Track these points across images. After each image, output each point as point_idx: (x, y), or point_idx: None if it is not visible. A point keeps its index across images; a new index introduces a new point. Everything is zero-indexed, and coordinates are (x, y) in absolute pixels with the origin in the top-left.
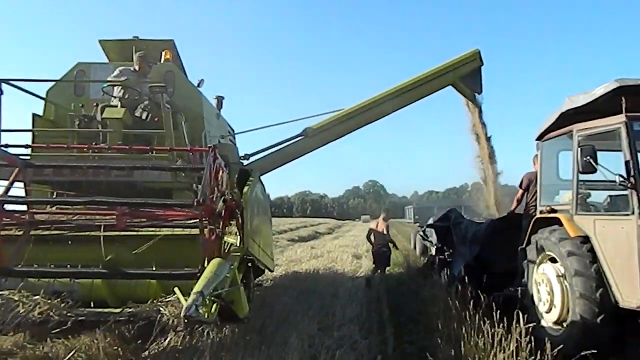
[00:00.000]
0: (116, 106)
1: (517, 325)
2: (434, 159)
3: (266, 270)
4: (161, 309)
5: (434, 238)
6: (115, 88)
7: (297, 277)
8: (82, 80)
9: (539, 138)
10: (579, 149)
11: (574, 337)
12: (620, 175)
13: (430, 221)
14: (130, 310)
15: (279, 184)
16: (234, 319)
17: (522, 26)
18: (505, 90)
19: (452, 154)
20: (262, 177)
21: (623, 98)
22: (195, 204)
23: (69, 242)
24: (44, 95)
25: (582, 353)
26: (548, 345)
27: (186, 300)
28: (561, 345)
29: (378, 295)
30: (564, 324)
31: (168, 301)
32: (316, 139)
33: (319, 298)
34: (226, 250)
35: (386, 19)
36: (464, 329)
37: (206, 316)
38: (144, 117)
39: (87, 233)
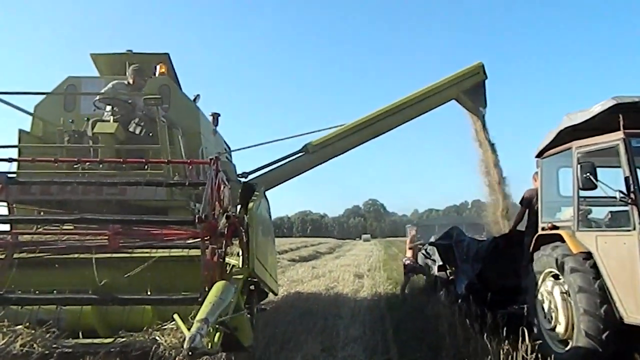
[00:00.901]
0: (108, 121)
1: (523, 342)
2: (434, 177)
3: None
4: (157, 337)
5: (436, 256)
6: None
7: (299, 297)
8: (72, 93)
9: (539, 155)
10: (579, 165)
11: (579, 354)
12: (621, 191)
13: (432, 239)
14: (123, 339)
15: (279, 203)
16: (238, 348)
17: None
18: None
19: (451, 172)
20: None
21: (620, 115)
22: (197, 220)
23: (56, 266)
24: (32, 111)
25: None
26: None
27: (188, 328)
28: None
29: (381, 314)
30: (569, 341)
31: (165, 329)
32: (317, 155)
33: (322, 318)
34: (227, 272)
35: (388, 34)
36: (470, 347)
37: (209, 346)
38: (137, 131)
39: (75, 255)
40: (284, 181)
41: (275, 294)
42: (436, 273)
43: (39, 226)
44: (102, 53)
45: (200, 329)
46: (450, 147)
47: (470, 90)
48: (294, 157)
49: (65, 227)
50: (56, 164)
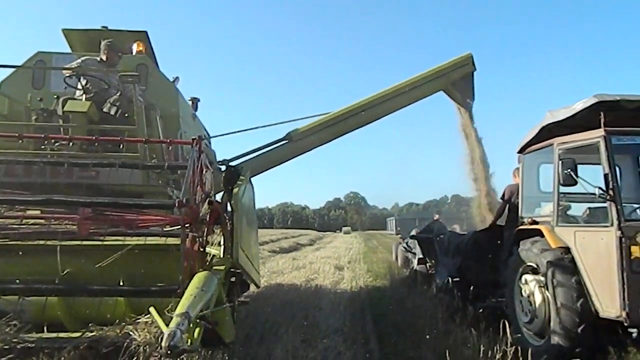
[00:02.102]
0: (80, 99)
1: (504, 336)
2: (415, 171)
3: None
4: (131, 332)
5: (417, 250)
6: (81, 79)
7: (279, 288)
8: (41, 67)
9: (521, 151)
10: (560, 162)
11: (556, 347)
12: (600, 188)
13: (413, 232)
14: (92, 334)
15: (259, 194)
16: (218, 343)
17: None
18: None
19: (432, 167)
20: None
21: (602, 113)
22: (177, 205)
23: (20, 253)
24: None
25: None
26: (529, 356)
27: (166, 323)
28: (544, 356)
29: (361, 306)
30: (546, 334)
31: (139, 323)
32: (301, 143)
33: (303, 309)
34: (207, 263)
35: (376, 20)
36: (450, 339)
37: (189, 343)
38: (112, 112)
39: (42, 242)
40: (266, 170)
41: (258, 287)
42: (416, 266)
43: None
44: (75, 29)
45: (180, 324)
46: (432, 141)
47: (459, 81)
48: (276, 145)
49: (30, 211)
50: (20, 141)
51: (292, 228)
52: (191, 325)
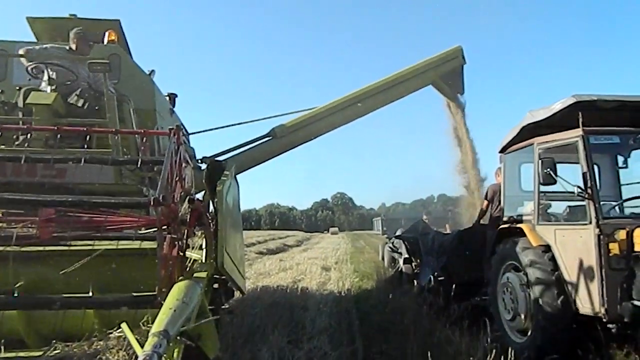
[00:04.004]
0: (45, 91)
1: (485, 334)
2: (402, 171)
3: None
4: (100, 349)
5: (402, 249)
6: (46, 70)
7: (266, 290)
8: (2, 55)
9: (502, 151)
10: (540, 161)
11: (537, 344)
12: (578, 187)
13: (399, 232)
14: (57, 352)
15: (246, 196)
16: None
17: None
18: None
19: (419, 167)
20: None
21: (580, 113)
22: (152, 203)
23: None
24: None
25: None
26: (510, 353)
27: (141, 343)
28: (526, 352)
29: (347, 307)
30: (528, 331)
31: (110, 338)
32: (285, 140)
33: (288, 310)
34: (188, 269)
35: (364, 11)
36: (434, 338)
37: None
38: (79, 104)
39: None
40: (249, 168)
41: (244, 294)
42: (402, 266)
43: None
44: (41, 17)
45: (157, 345)
46: (419, 140)
47: (448, 75)
48: (260, 141)
49: None
50: None
51: (279, 229)
52: (170, 344)
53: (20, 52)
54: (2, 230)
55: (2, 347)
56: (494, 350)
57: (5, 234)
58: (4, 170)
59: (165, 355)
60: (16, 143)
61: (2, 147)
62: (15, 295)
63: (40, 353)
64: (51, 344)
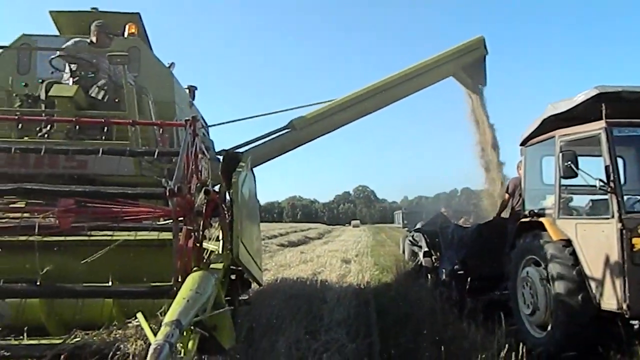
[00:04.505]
0: (67, 84)
1: (500, 327)
2: (425, 164)
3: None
4: (119, 338)
5: (422, 243)
6: (67, 63)
7: (285, 281)
8: (26, 49)
9: (523, 144)
10: (561, 154)
11: (556, 340)
12: (601, 180)
13: (419, 226)
14: (76, 340)
15: (269, 188)
16: (217, 351)
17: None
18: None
19: (442, 160)
20: None
21: (603, 104)
22: (168, 193)
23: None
24: None
25: (564, 355)
26: (522, 348)
27: (154, 332)
28: (546, 347)
29: (366, 299)
30: (548, 327)
31: (129, 327)
32: (304, 132)
33: (307, 302)
34: (205, 260)
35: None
36: (448, 331)
37: (182, 353)
38: (100, 96)
39: (19, 238)
40: (267, 160)
41: (261, 285)
42: (422, 259)
43: None
44: (63, 10)
45: (169, 335)
46: (442, 133)
47: (470, 66)
48: (278, 133)
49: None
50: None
51: (301, 222)
52: (184, 334)
53: (54, 47)
54: (24, 220)
55: (25, 334)
56: (506, 345)
57: (27, 224)
58: (27, 161)
59: (179, 344)
60: (39, 135)
61: (26, 139)
62: (37, 283)
63: (61, 340)
64: (71, 332)
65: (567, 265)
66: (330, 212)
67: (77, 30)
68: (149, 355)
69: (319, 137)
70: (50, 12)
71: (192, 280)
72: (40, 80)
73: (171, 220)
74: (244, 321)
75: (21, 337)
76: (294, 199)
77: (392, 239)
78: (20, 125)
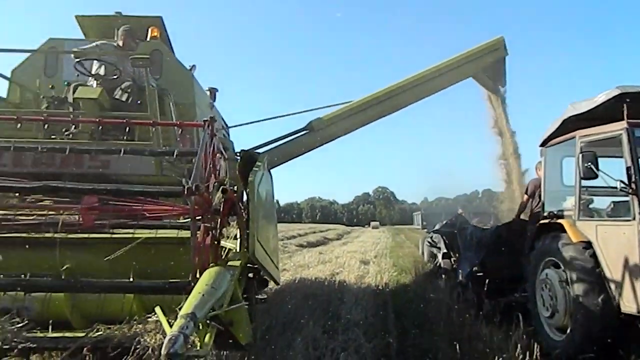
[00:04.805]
0: (92, 86)
1: (517, 329)
2: (446, 165)
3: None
4: (139, 332)
5: (441, 244)
6: (94, 65)
7: (304, 281)
8: (53, 52)
9: (543, 144)
10: (581, 155)
11: (576, 342)
12: (622, 181)
13: (437, 227)
14: (99, 333)
15: (288, 189)
16: (234, 346)
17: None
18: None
19: (464, 160)
20: None
21: (624, 105)
22: (185, 192)
23: (26, 246)
24: (9, 75)
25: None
26: (537, 349)
27: (170, 325)
28: (565, 350)
29: (384, 300)
30: (567, 329)
31: (149, 322)
32: (322, 133)
33: (325, 302)
34: (223, 258)
35: (400, 7)
36: (464, 332)
37: (198, 346)
38: (123, 98)
39: (44, 235)
40: (286, 161)
41: (278, 283)
42: (441, 261)
43: None
44: (89, 15)
45: (183, 327)
46: (463, 134)
47: (490, 67)
48: (297, 135)
49: (28, 201)
50: (19, 125)
51: (320, 223)
52: (200, 327)
53: (80, 49)
54: (49, 218)
55: (50, 327)
56: (519, 346)
57: (52, 221)
58: (53, 161)
59: (195, 336)
60: (65, 134)
61: (52, 140)
62: (62, 278)
63: (84, 334)
64: (94, 326)
65: (587, 267)
66: (349, 213)
67: (102, 33)
68: (164, 345)
69: (337, 138)
70: (76, 16)
71: (208, 275)
72: (67, 83)
73: (187, 219)
74: (262, 319)
75: (46, 330)
76: (313, 200)
77: (411, 240)
78: (46, 126)
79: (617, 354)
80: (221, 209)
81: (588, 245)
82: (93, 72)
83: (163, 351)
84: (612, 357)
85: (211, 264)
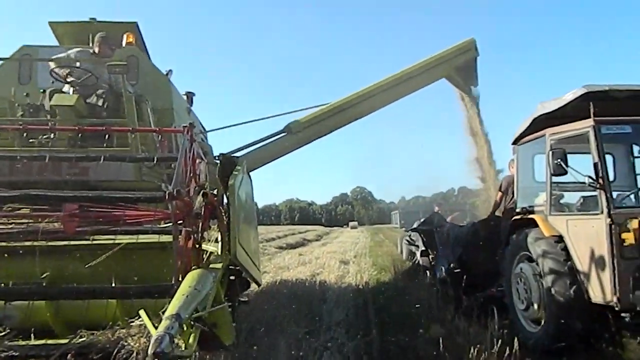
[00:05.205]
0: (68, 93)
1: (492, 322)
2: (422, 164)
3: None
4: (122, 337)
5: (419, 242)
6: (70, 72)
7: (285, 283)
8: (27, 59)
9: (515, 142)
10: (551, 152)
11: (550, 333)
12: (590, 177)
13: (415, 225)
14: (82, 339)
15: (266, 191)
16: (217, 346)
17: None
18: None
19: (439, 159)
20: None
21: (591, 103)
22: (167, 197)
23: (5, 255)
24: None
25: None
26: (515, 341)
27: (155, 327)
28: (540, 341)
29: (365, 299)
30: (541, 321)
31: (132, 326)
32: (300, 135)
33: (307, 303)
34: (204, 261)
35: (375, 8)
36: (444, 328)
37: (183, 347)
38: (99, 104)
39: (24, 243)
40: (265, 163)
41: (259, 285)
42: (419, 258)
43: None
44: (63, 21)
45: (169, 327)
46: (438, 133)
47: (462, 68)
48: (275, 137)
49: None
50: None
51: (299, 224)
52: (185, 328)
53: (55, 57)
54: (29, 226)
55: (32, 335)
56: (499, 340)
57: (32, 229)
58: (30, 169)
59: (179, 337)
60: (42, 143)
61: (30, 147)
62: (43, 285)
63: (67, 341)
64: (77, 332)
65: (559, 260)
66: (327, 214)
67: (76, 40)
68: (150, 345)
69: (315, 140)
70: (50, 22)
71: (191, 277)
72: (42, 90)
73: (171, 223)
74: (245, 321)
75: (29, 339)
76: (291, 202)
77: (390, 239)
78: (26, 134)
79: (589, 343)
80: (202, 213)
81: (559, 239)
82: (69, 80)
83: (150, 350)
84: (584, 346)
85: (193, 267)
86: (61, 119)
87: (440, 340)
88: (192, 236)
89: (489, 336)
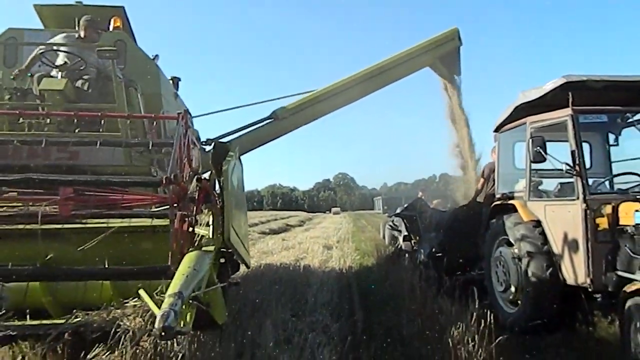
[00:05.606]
0: (56, 77)
1: (472, 303)
2: (404, 151)
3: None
4: (118, 317)
5: (402, 227)
6: (58, 57)
7: (269, 267)
8: (13, 43)
9: (497, 130)
10: (531, 140)
11: (527, 313)
12: (567, 164)
13: (398, 211)
14: (78, 320)
15: (248, 177)
16: (211, 326)
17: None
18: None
19: (421, 145)
20: None
21: (570, 93)
22: (164, 182)
23: (1, 239)
24: None
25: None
26: (492, 319)
27: (158, 306)
28: (517, 321)
29: (348, 282)
30: (519, 302)
31: (127, 307)
32: (286, 122)
33: (292, 286)
34: (197, 244)
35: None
36: (426, 308)
37: (182, 325)
38: (85, 88)
39: (20, 226)
40: (251, 149)
41: (248, 267)
42: (402, 243)
43: None
44: (48, 4)
45: (173, 304)
46: (420, 120)
47: (445, 57)
48: (262, 123)
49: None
50: None
51: (281, 210)
52: (184, 306)
53: (45, 42)
54: (20, 209)
55: (28, 316)
56: (482, 320)
57: (30, 212)
58: (20, 153)
59: (180, 316)
60: (31, 126)
61: (19, 132)
62: (37, 266)
63: (63, 321)
64: (72, 313)
65: (537, 244)
66: (310, 200)
67: (62, 23)
68: (157, 321)
69: (300, 126)
70: (35, 5)
71: (189, 258)
72: (30, 75)
73: (163, 207)
74: (232, 303)
75: (24, 319)
76: (273, 187)
77: (372, 225)
78: (20, 120)
79: (563, 322)
80: (196, 197)
81: (538, 224)
82: (57, 64)
83: (157, 325)
84: (558, 325)
85: (188, 250)
86: (50, 104)
87: (422, 319)
88: (186, 219)
89: (469, 316)
